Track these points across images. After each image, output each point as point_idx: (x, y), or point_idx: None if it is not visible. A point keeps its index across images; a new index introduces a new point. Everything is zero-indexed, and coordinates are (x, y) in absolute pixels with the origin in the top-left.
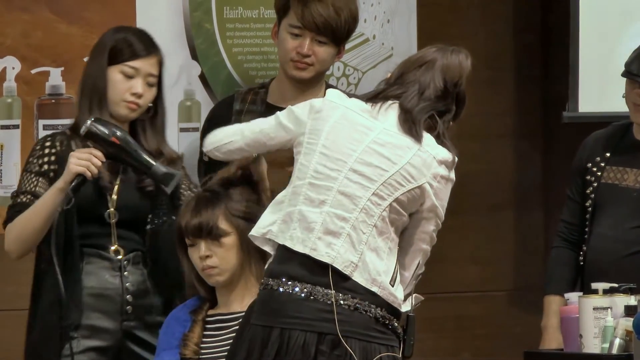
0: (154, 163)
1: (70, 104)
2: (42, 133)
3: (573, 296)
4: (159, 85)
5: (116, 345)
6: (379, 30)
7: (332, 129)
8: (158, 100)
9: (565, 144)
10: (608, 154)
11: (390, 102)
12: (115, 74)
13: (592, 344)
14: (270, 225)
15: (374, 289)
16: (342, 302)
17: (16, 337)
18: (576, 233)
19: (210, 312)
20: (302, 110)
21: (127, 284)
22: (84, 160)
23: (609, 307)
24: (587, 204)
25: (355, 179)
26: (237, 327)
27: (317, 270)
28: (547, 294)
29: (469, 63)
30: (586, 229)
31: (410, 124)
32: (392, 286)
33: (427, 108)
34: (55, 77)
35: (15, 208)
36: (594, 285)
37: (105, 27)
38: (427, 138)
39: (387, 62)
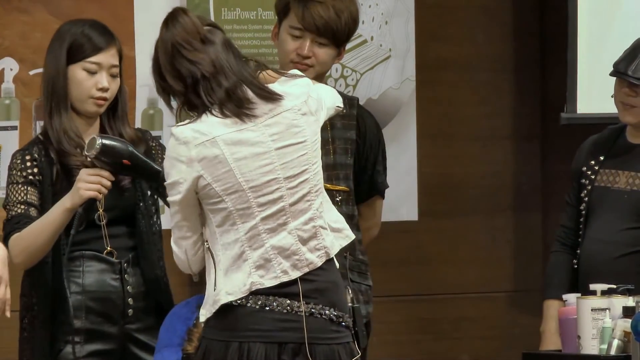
0: (160, 169)
1: None
2: None
3: (571, 297)
4: (120, 72)
5: (118, 348)
6: (377, 31)
7: (236, 163)
8: (121, 84)
9: (563, 145)
10: (602, 157)
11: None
12: (78, 71)
13: (590, 345)
14: (247, 280)
15: (352, 235)
16: (296, 309)
17: (16, 337)
18: (573, 237)
19: None
20: (175, 179)
21: (127, 287)
22: (94, 184)
23: (607, 308)
24: (582, 207)
25: (296, 182)
26: None
27: (288, 283)
28: (546, 299)
29: (190, 16)
30: (580, 232)
31: (271, 96)
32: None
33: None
34: None
35: (14, 220)
36: (592, 287)
37: None
38: (277, 89)
39: (385, 63)
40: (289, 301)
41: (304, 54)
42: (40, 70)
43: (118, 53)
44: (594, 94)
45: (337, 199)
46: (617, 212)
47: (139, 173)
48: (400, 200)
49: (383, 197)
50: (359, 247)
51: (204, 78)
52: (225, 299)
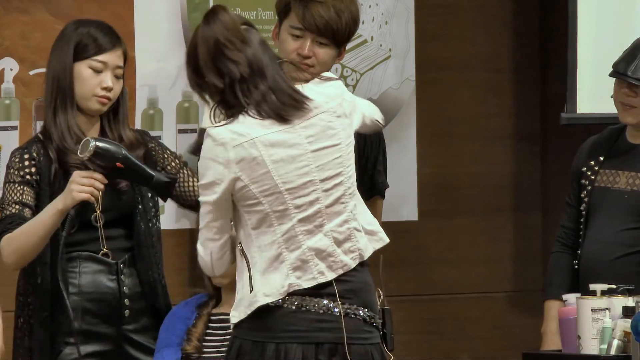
0: (154, 174)
1: None
2: None
3: (571, 297)
4: (123, 74)
5: (114, 349)
6: (377, 31)
7: (274, 164)
8: (122, 87)
9: (563, 145)
10: (602, 158)
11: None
12: (84, 69)
13: (590, 345)
14: (285, 281)
15: (386, 238)
16: (333, 309)
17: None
18: (574, 237)
19: (215, 310)
20: (214, 177)
21: (124, 288)
22: (87, 187)
23: (607, 309)
24: (582, 207)
25: (331, 184)
26: None
27: (322, 284)
28: (546, 299)
29: (230, 15)
30: (581, 233)
31: (297, 103)
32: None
33: (275, 77)
34: None
35: (7, 220)
36: (592, 287)
37: None
38: (315, 94)
39: (385, 63)
40: (325, 301)
41: (304, 54)
42: (40, 70)
43: (123, 55)
44: (594, 94)
45: None
46: (617, 212)
47: (131, 177)
48: (400, 200)
49: (383, 197)
50: None
51: (242, 78)
52: (263, 301)
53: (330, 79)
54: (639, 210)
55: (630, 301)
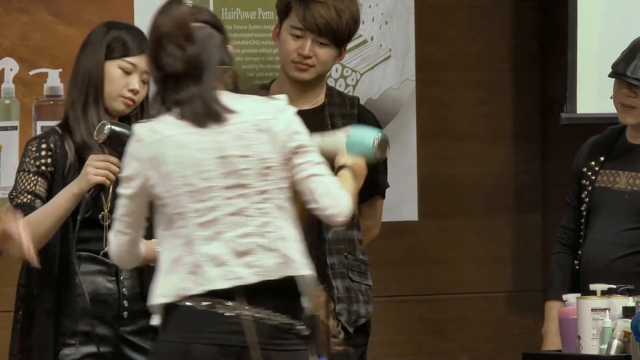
0: None
1: None
2: None
3: (571, 297)
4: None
5: (112, 351)
6: (377, 31)
7: (177, 165)
8: (147, 96)
9: (563, 145)
10: (602, 158)
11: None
12: (114, 68)
13: (590, 345)
14: (180, 284)
15: (307, 271)
16: (246, 313)
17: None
18: (574, 238)
19: None
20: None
21: (123, 289)
22: (102, 170)
23: (607, 309)
24: (582, 208)
25: (233, 193)
26: None
27: (233, 289)
28: (547, 299)
29: (181, 8)
30: (581, 233)
31: (215, 114)
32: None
33: (204, 85)
34: (54, 79)
35: (17, 210)
36: (592, 287)
37: None
38: (245, 106)
39: (385, 63)
40: (232, 304)
41: (304, 54)
42: (40, 70)
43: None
44: (594, 94)
45: None
46: (617, 212)
47: None
48: (400, 200)
49: (384, 197)
50: (359, 247)
51: (174, 75)
52: (156, 300)
53: (275, 98)
54: (639, 211)
55: (630, 301)
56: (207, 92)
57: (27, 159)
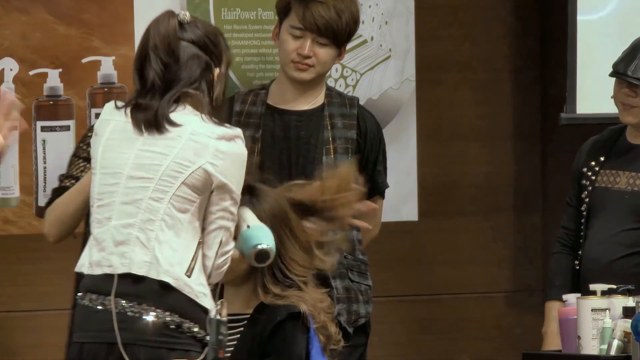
0: None
1: (69, 105)
2: (40, 135)
3: (571, 297)
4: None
5: None
6: (377, 31)
7: (105, 146)
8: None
9: (563, 145)
10: (602, 158)
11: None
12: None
13: (590, 346)
14: (85, 260)
15: (168, 279)
16: (127, 309)
17: (15, 338)
18: (574, 238)
19: None
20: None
21: None
22: None
23: (607, 309)
24: (582, 208)
25: (134, 184)
26: (241, 328)
27: (108, 281)
28: (547, 300)
29: (170, 23)
30: (581, 233)
31: (159, 124)
32: (189, 277)
33: (167, 98)
34: (54, 79)
35: (58, 192)
36: (592, 287)
37: (104, 29)
38: (195, 122)
39: (385, 63)
40: (102, 297)
41: (304, 54)
42: (40, 70)
43: None
44: (594, 94)
45: None
46: (618, 212)
47: None
48: (400, 200)
49: (383, 197)
50: (358, 247)
51: (152, 86)
52: (77, 269)
53: (231, 132)
54: (639, 211)
55: (630, 301)
56: (164, 108)
57: (81, 144)
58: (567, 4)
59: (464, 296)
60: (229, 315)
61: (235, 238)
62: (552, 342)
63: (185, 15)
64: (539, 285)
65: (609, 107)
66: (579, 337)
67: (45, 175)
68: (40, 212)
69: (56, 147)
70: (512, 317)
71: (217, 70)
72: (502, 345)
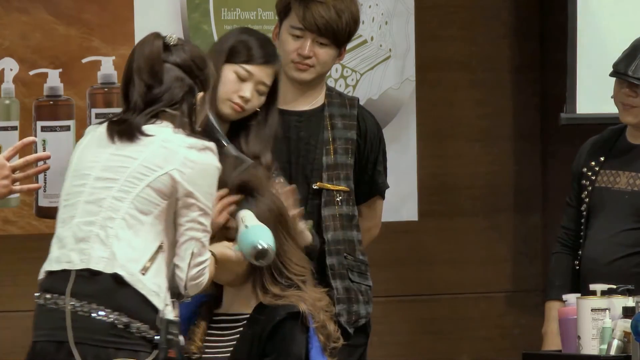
0: (225, 144)
1: (68, 105)
2: (40, 135)
3: (571, 297)
4: (274, 96)
5: None
6: (377, 32)
7: (81, 152)
8: (270, 110)
9: (563, 145)
10: (602, 158)
11: None
12: (229, 72)
13: (590, 346)
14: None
15: (122, 273)
16: (78, 309)
17: (15, 338)
18: (574, 238)
19: (215, 311)
20: None
21: None
22: None
23: (607, 309)
24: (582, 208)
25: (100, 184)
26: (241, 328)
27: (64, 279)
28: (547, 300)
29: (155, 45)
30: (581, 233)
31: (132, 133)
32: (143, 275)
33: (144, 113)
34: (54, 79)
35: None
36: (592, 287)
37: (104, 29)
38: (167, 132)
39: (385, 63)
40: (56, 296)
41: (304, 54)
42: (40, 70)
43: (273, 75)
44: (594, 94)
45: (338, 199)
46: (618, 212)
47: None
48: (400, 200)
49: (383, 197)
50: (358, 247)
51: (134, 105)
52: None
53: (205, 145)
54: (639, 211)
55: (630, 301)
56: (139, 121)
57: None
58: (567, 4)
59: (464, 296)
60: (229, 315)
61: (232, 240)
62: (552, 342)
63: (172, 37)
64: (539, 285)
65: (609, 107)
66: (578, 337)
67: (45, 175)
68: (40, 212)
69: (56, 147)
70: (512, 317)
71: (200, 94)
72: (502, 345)
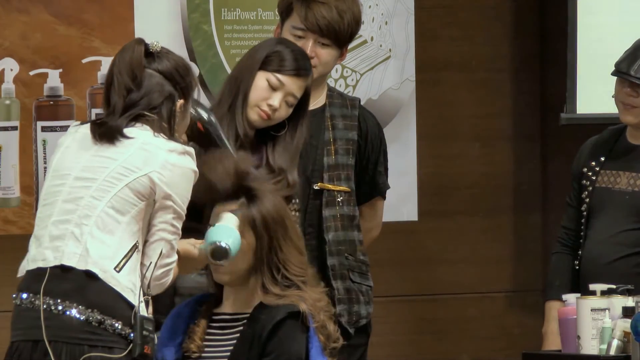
0: (227, 148)
1: (69, 105)
2: (40, 135)
3: (571, 297)
4: (304, 110)
5: None
6: (377, 32)
7: (62, 154)
8: (300, 124)
9: (563, 145)
10: (603, 158)
11: None
12: (261, 79)
13: (590, 345)
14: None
15: (95, 270)
16: (52, 307)
17: None
18: (574, 238)
19: (216, 310)
20: None
21: None
22: None
23: (606, 309)
24: (583, 208)
25: (79, 184)
26: (241, 327)
27: (39, 277)
28: (547, 300)
29: (136, 50)
30: (582, 233)
31: (112, 135)
32: (118, 272)
33: (124, 116)
34: (54, 79)
35: None
36: (592, 287)
37: (104, 29)
38: (147, 135)
39: (385, 63)
40: (31, 295)
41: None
42: (40, 70)
43: (304, 88)
44: (594, 94)
45: (338, 200)
46: (618, 213)
47: (210, 144)
48: (400, 200)
49: (384, 198)
50: (359, 247)
51: (114, 110)
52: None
53: (185, 149)
54: (639, 211)
55: (630, 301)
56: (119, 124)
57: None
58: (567, 4)
59: (464, 296)
60: (229, 314)
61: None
62: (552, 342)
63: (156, 44)
64: (539, 285)
65: (609, 107)
66: (578, 337)
67: (45, 175)
68: None
69: None
70: (512, 317)
71: (180, 102)
72: (502, 345)
